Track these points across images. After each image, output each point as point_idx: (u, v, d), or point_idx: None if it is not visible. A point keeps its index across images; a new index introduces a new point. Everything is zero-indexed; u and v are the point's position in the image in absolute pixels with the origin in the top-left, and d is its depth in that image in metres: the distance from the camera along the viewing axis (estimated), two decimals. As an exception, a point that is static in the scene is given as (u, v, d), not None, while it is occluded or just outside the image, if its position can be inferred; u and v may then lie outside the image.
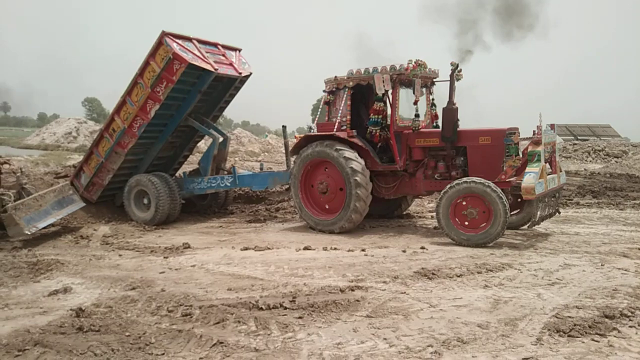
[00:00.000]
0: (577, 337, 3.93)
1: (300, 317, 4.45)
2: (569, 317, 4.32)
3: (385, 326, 4.21)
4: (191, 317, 4.54)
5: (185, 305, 4.81)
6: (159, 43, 8.96)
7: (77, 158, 16.46)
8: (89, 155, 10.06)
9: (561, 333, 3.98)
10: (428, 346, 3.79)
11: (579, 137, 35.51)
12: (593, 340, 3.87)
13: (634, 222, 8.73)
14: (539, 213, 7.20)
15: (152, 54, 9.06)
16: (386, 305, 4.70)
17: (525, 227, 7.81)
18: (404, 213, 9.67)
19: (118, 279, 5.81)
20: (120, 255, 7.11)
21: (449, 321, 4.28)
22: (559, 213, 8.18)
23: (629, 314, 4.34)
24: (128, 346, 3.93)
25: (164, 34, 8.91)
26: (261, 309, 4.67)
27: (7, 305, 4.95)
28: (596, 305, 4.58)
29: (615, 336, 3.94)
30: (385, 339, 3.96)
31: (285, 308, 4.67)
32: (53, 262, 6.53)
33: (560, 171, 7.87)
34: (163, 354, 3.82)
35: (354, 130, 8.29)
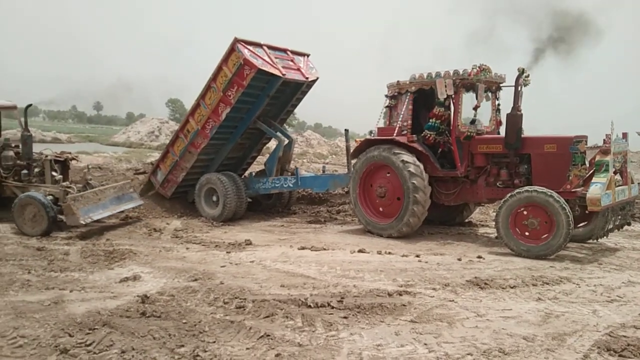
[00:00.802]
0: (628, 357, 3.79)
1: (345, 317, 4.59)
2: (624, 336, 4.15)
3: (428, 332, 4.25)
4: (244, 309, 4.82)
5: (240, 298, 5.09)
6: (231, 49, 9.44)
7: (157, 156, 17.53)
8: (165, 154, 10.76)
9: (612, 352, 3.85)
10: (467, 354, 3.80)
11: (673, 146, 32.81)
12: (646, 362, 3.72)
13: None
14: (604, 225, 6.85)
15: (225, 59, 9.55)
16: (432, 311, 4.73)
17: (592, 240, 7.45)
18: (466, 221, 9.52)
19: (183, 270, 6.23)
20: (187, 249, 7.59)
21: (493, 331, 4.26)
22: (629, 225, 7.72)
23: (693, 337, 4.10)
24: (184, 332, 4.26)
25: (236, 41, 9.37)
26: (309, 306, 4.85)
27: (84, 288, 5.49)
28: (657, 327, 4.36)
29: (671, 360, 3.75)
30: (425, 344, 4.01)
31: (333, 307, 4.83)
32: (127, 252, 7.10)
33: (632, 183, 7.43)
34: (214, 341, 4.10)
35: (414, 135, 8.30)
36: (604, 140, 6.82)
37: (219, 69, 9.64)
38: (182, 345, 4.01)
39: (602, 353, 3.84)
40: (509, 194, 7.04)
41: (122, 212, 9.47)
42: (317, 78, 10.60)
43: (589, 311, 4.76)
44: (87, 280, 5.83)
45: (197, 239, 8.29)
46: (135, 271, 6.17)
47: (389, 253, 7.21)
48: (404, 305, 4.88)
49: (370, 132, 9.25)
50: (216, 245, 7.74)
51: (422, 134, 8.24)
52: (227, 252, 7.27)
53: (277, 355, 3.83)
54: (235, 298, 5.11)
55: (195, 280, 5.81)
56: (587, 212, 7.42)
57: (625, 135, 7.22)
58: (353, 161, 9.26)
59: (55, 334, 4.18)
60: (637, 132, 6.81)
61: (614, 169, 6.81)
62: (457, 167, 8.09)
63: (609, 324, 4.44)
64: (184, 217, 10.31)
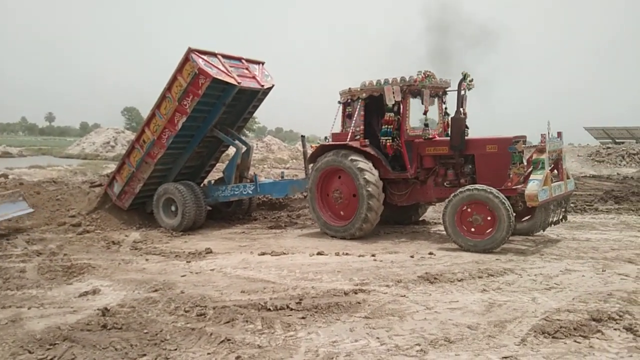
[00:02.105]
0: (560, 338, 4.14)
1: (303, 318, 4.80)
2: (558, 319, 4.52)
3: (380, 326, 4.51)
4: (205, 316, 4.95)
5: (201, 306, 5.22)
6: (186, 59, 9.51)
7: (113, 167, 17.31)
8: (122, 165, 10.70)
9: (546, 334, 4.20)
10: (416, 345, 4.08)
11: (617, 140, 34.58)
12: (575, 341, 4.08)
13: (649, 228, 8.72)
14: (545, 219, 7.34)
15: (179, 69, 9.62)
16: (385, 307, 5.00)
17: (535, 233, 7.94)
18: (420, 219, 9.91)
19: (143, 282, 6.29)
20: (147, 260, 7.62)
21: (440, 322, 4.56)
22: (565, 220, 8.27)
23: (617, 317, 4.51)
24: (145, 342, 4.36)
25: (190, 51, 9.46)
26: (269, 309, 5.04)
27: (42, 304, 5.48)
28: (587, 309, 4.75)
29: (598, 338, 4.13)
30: (378, 338, 4.26)
31: (291, 309, 5.03)
32: (85, 266, 7.09)
33: (568, 178, 7.97)
34: (176, 349, 4.23)
35: (366, 140, 8.62)
36: (540, 139, 7.30)
37: (174, 78, 9.69)
38: (144, 355, 4.12)
39: (538, 336, 4.19)
40: (453, 194, 7.45)
41: (10, 219, 9.61)
42: (273, 85, 10.80)
43: (528, 299, 5.14)
44: (46, 296, 5.81)
45: (156, 249, 8.33)
46: (95, 285, 6.18)
47: (347, 254, 7.47)
48: (359, 302, 5.13)
49: (326, 138, 9.51)
50: (176, 255, 7.80)
51: (380, 142, 8.52)
52: (187, 262, 7.36)
53: (237, 357, 4.00)
54: (196, 306, 5.23)
55: (156, 290, 5.88)
56: (530, 207, 7.93)
57: (559, 134, 7.74)
58: (310, 166, 9.49)
59: (15, 352, 4.21)
60: (547, 122, 7.27)
61: (550, 166, 7.29)
62: (407, 169, 8.45)
63: (545, 309, 4.81)
64: (143, 228, 10.29)
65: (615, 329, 4.28)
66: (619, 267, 6.21)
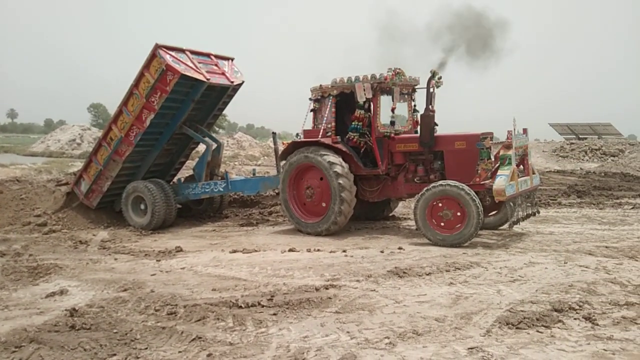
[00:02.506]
0: (523, 329, 4.29)
1: (274, 314, 4.83)
2: (522, 311, 4.68)
3: (351, 321, 4.58)
4: (175, 315, 4.93)
5: (171, 305, 5.19)
6: (153, 55, 9.38)
7: (80, 165, 16.93)
8: (88, 163, 10.50)
9: (510, 325, 4.35)
10: (385, 338, 4.16)
11: (580, 136, 35.65)
12: (538, 331, 4.23)
13: (609, 221, 9.06)
14: (514, 214, 7.55)
15: (147, 65, 9.48)
16: (355, 302, 5.08)
17: (503, 227, 8.16)
18: (390, 215, 10.05)
19: (112, 281, 6.21)
20: (115, 259, 7.52)
21: (409, 316, 4.66)
22: (538, 213, 8.52)
23: (577, 307, 4.70)
24: (115, 342, 4.32)
25: (157, 47, 9.34)
26: (240, 307, 5.05)
27: (7, 306, 5.36)
28: (549, 300, 4.93)
29: (559, 328, 4.30)
30: (348, 332, 4.33)
31: (263, 306, 5.05)
32: (52, 266, 6.94)
33: (534, 173, 8.22)
34: (146, 348, 4.21)
35: (338, 137, 8.68)
36: (507, 135, 7.50)
37: (141, 75, 9.55)
38: (114, 354, 4.09)
39: (502, 327, 4.33)
40: (425, 188, 7.59)
41: None
42: (243, 82, 10.74)
43: (494, 291, 5.30)
44: (11, 298, 5.68)
45: (125, 248, 8.22)
46: (62, 285, 6.07)
47: (318, 250, 7.53)
48: (329, 298, 5.20)
49: (297, 135, 9.54)
50: (146, 254, 7.72)
51: (347, 136, 8.62)
52: (157, 260, 7.29)
53: (208, 355, 4.00)
54: (167, 305, 5.20)
55: (125, 290, 5.82)
56: (497, 202, 8.13)
57: (525, 130, 7.96)
58: (282, 163, 9.50)
59: (-21, 354, 4.12)
60: (513, 118, 7.47)
61: (516, 162, 7.50)
62: (378, 166, 8.56)
63: (510, 301, 4.97)
64: (111, 227, 10.13)
65: (575, 319, 4.46)
66: (580, 259, 6.45)
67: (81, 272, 6.78)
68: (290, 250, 7.55)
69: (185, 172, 12.72)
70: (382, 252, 7.20)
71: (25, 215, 10.31)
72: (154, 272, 6.66)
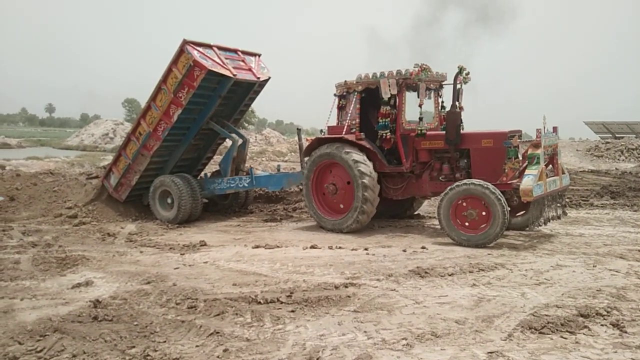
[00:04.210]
0: (547, 334, 4.16)
1: (292, 311, 4.82)
2: (546, 315, 4.54)
3: (369, 320, 4.54)
4: (195, 309, 4.97)
5: (192, 299, 5.25)
6: (181, 51, 9.48)
7: (111, 159, 17.35)
8: (118, 157, 10.71)
9: (533, 330, 4.22)
10: (402, 339, 4.10)
11: (616, 135, 34.52)
12: (562, 337, 4.10)
13: (643, 224, 8.73)
14: (540, 214, 7.34)
15: (175, 61, 9.59)
16: (374, 301, 5.02)
17: (529, 228, 7.95)
18: (415, 213, 9.92)
19: (136, 274, 6.31)
20: (141, 252, 7.65)
21: (429, 317, 4.58)
22: (565, 215, 8.27)
23: (605, 313, 4.53)
24: (135, 334, 4.39)
25: (185, 42, 9.43)
26: (259, 303, 5.06)
27: (35, 296, 5.51)
28: (576, 305, 4.78)
29: (584, 334, 4.15)
30: (365, 332, 4.29)
31: (282, 302, 5.05)
32: (79, 258, 7.11)
33: (563, 173, 7.97)
34: (165, 341, 4.26)
35: (362, 133, 8.61)
36: (536, 134, 7.29)
37: (169, 70, 9.67)
38: (133, 347, 4.14)
39: (525, 331, 4.21)
40: (449, 187, 7.45)
41: None
42: (269, 78, 10.76)
43: (518, 294, 5.16)
44: (39, 287, 5.84)
45: (151, 242, 8.35)
46: (88, 277, 6.21)
47: (340, 247, 7.49)
48: (348, 296, 5.16)
49: (321, 131, 9.50)
50: (170, 248, 7.82)
51: (379, 136, 8.47)
52: (181, 254, 7.38)
53: (225, 350, 4.02)
54: (188, 298, 5.25)
55: (148, 283, 5.91)
56: (523, 202, 7.93)
57: (555, 129, 7.73)
58: (306, 159, 9.49)
59: (4, 342, 4.24)
60: (543, 116, 7.26)
61: (545, 161, 7.28)
62: (403, 163, 8.44)
63: (534, 304, 4.83)
64: (139, 220, 10.32)
65: (602, 325, 4.31)
66: (610, 263, 6.23)
67: (107, 264, 6.92)
68: (312, 247, 7.54)
69: (211, 167, 12.86)
70: (404, 251, 7.11)
71: (57, 207, 10.61)
72: (177, 265, 6.75)
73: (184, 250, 7.66)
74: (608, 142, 28.21)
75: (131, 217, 10.46)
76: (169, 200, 10.22)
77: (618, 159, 25.04)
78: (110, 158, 16.59)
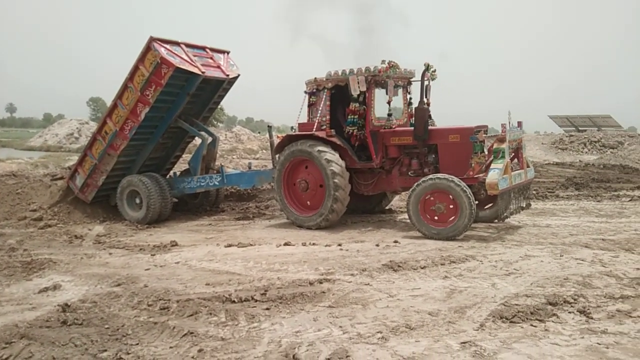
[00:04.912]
0: (517, 323, 4.26)
1: (267, 309, 4.80)
2: (516, 304, 4.64)
3: (344, 315, 4.55)
4: (168, 310, 4.89)
5: (164, 300, 5.16)
6: (147, 48, 9.31)
7: (76, 159, 16.91)
8: (83, 158, 10.45)
9: (504, 319, 4.31)
10: (377, 332, 4.13)
11: (579, 128, 35.57)
12: (532, 325, 4.20)
13: (606, 214, 9.03)
14: (506, 207, 7.51)
15: (141, 58, 9.41)
16: (348, 296, 5.05)
17: (497, 221, 8.13)
18: (386, 208, 10.02)
19: (105, 276, 6.17)
20: (110, 254, 7.48)
21: (402, 310, 4.63)
22: (530, 206, 8.49)
23: (572, 300, 4.67)
24: (106, 337, 4.29)
25: (152, 39, 9.26)
26: (233, 301, 5.02)
27: (0, 302, 5.33)
28: (544, 294, 4.90)
29: (553, 321, 4.27)
30: (341, 326, 4.30)
31: (256, 301, 5.02)
32: (46, 261, 6.90)
33: (528, 166, 8.17)
34: (137, 343, 4.18)
35: (332, 130, 8.63)
36: (501, 129, 7.45)
37: (136, 68, 9.49)
38: (105, 350, 4.05)
39: (496, 321, 4.30)
40: (416, 183, 7.56)
41: None
42: (239, 75, 10.67)
43: (488, 285, 5.27)
44: (3, 293, 5.65)
45: (120, 243, 8.19)
46: (56, 280, 6.04)
47: (313, 244, 7.49)
48: (323, 292, 5.17)
49: (292, 128, 9.48)
50: (140, 249, 7.68)
51: (346, 131, 8.54)
52: (151, 255, 7.26)
53: (199, 350, 3.97)
54: (160, 300, 5.17)
55: (119, 285, 5.79)
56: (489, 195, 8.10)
57: (520, 123, 7.91)
58: (277, 156, 9.45)
59: (-32, 351, 4.09)
60: (508, 111, 7.43)
61: (510, 155, 7.45)
62: (373, 159, 8.51)
63: (504, 294, 4.94)
64: (107, 221, 10.10)
65: (569, 312, 4.44)
66: (576, 252, 6.42)
67: (75, 267, 6.75)
68: (286, 244, 7.52)
69: (181, 166, 12.68)
70: (377, 245, 7.17)
71: (21, 209, 10.28)
72: (148, 266, 6.63)
73: (155, 250, 7.54)
74: (572, 135, 29.11)
75: (99, 218, 10.23)
76: (138, 201, 10.03)
77: (581, 152, 25.86)
78: (75, 158, 16.17)
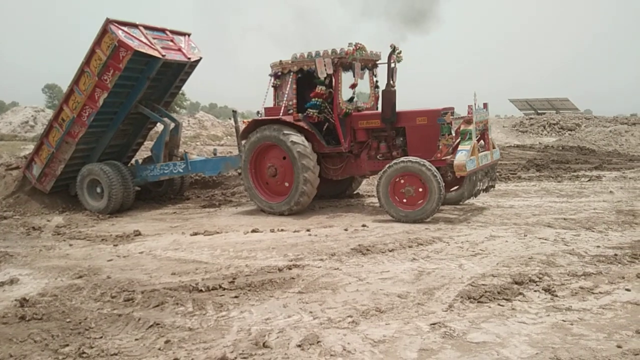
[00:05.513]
0: (485, 302, 4.32)
1: (236, 297, 4.72)
2: (483, 284, 4.71)
3: (314, 300, 4.52)
4: (133, 301, 4.75)
5: (128, 291, 5.00)
6: (104, 31, 8.95)
7: (32, 148, 16.22)
8: (40, 146, 10.03)
9: (472, 299, 4.36)
10: (348, 316, 4.11)
11: (539, 111, 36.46)
12: (499, 305, 4.27)
13: (567, 194, 9.28)
14: (472, 188, 7.61)
15: (98, 42, 9.05)
16: (318, 281, 5.01)
17: (462, 202, 8.24)
18: (355, 192, 10.01)
19: (66, 268, 5.95)
20: (70, 245, 7.22)
21: (372, 293, 4.63)
22: (494, 187, 8.64)
23: (537, 279, 4.77)
24: (68, 332, 4.12)
25: (108, 22, 8.90)
26: (201, 290, 4.91)
27: (-49, 299, 5.06)
28: (510, 273, 4.99)
29: (519, 300, 4.35)
30: (311, 312, 4.26)
31: (224, 289, 4.92)
32: (2, 255, 6.60)
33: (494, 148, 8.29)
34: (101, 337, 4.03)
35: (300, 114, 8.51)
36: (468, 110, 7.50)
37: (92, 52, 9.12)
38: (67, 345, 3.90)
39: (464, 301, 4.35)
40: (387, 165, 7.55)
41: None
42: (201, 58, 10.39)
43: (455, 266, 5.32)
44: (-45, 290, 5.37)
45: (81, 234, 7.91)
46: (12, 274, 5.78)
47: (282, 230, 7.42)
48: (292, 278, 5.11)
49: (258, 113, 9.31)
50: (102, 239, 7.44)
51: (305, 113, 8.44)
52: (114, 245, 7.04)
53: (166, 342, 3.86)
54: (124, 291, 5.01)
55: (80, 277, 5.59)
56: (458, 177, 8.19)
57: (485, 105, 7.99)
58: (243, 142, 9.28)
59: None
60: (474, 93, 7.48)
61: (477, 137, 7.53)
62: (341, 143, 8.45)
63: (471, 275, 5.00)
64: (67, 212, 9.75)
65: (535, 291, 4.52)
66: (539, 232, 6.57)
67: (34, 259, 6.48)
68: (253, 231, 7.42)
69: (143, 154, 12.33)
70: (345, 230, 7.16)
71: (-27, 202, 9.81)
72: (110, 257, 6.43)
73: (117, 241, 7.31)
74: (531, 118, 29.81)
75: (58, 208, 9.87)
76: (99, 190, 9.71)
77: (541, 134, 26.52)
78: (31, 147, 15.51)
